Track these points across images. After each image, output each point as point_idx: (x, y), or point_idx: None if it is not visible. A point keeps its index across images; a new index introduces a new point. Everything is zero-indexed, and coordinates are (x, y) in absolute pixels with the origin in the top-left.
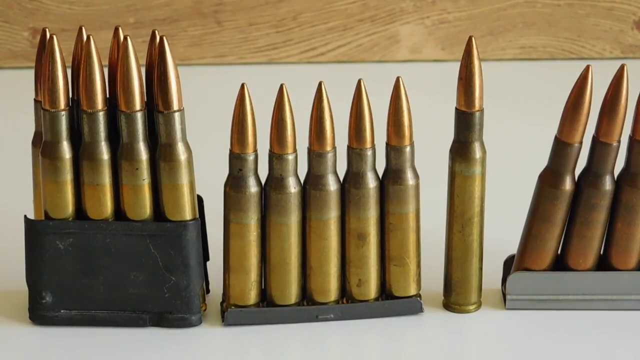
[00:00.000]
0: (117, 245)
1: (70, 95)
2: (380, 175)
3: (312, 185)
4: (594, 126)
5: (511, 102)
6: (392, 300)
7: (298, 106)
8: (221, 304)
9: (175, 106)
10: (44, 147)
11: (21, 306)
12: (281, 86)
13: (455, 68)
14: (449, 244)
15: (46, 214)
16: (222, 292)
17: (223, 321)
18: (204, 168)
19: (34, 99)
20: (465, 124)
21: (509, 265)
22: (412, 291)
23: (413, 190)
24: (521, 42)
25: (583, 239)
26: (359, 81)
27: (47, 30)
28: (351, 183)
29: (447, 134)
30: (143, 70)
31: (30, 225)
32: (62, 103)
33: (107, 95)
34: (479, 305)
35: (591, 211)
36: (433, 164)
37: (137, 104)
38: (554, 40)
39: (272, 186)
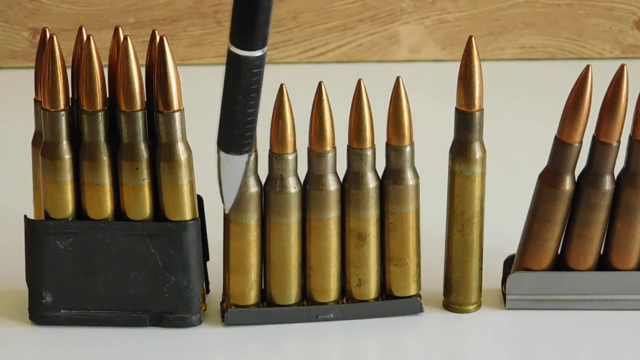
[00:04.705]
0: (117, 245)
1: (70, 95)
2: (380, 175)
3: (312, 185)
4: (594, 126)
5: (511, 102)
6: (392, 300)
7: (298, 106)
8: (221, 304)
9: (175, 106)
10: (44, 147)
11: (21, 306)
12: (281, 86)
13: (455, 68)
14: (449, 243)
15: (46, 214)
16: (222, 292)
17: (223, 321)
18: (204, 168)
19: (34, 99)
20: (465, 124)
21: (509, 265)
22: (412, 291)
23: (413, 190)
24: (521, 42)
25: (583, 239)
26: (359, 81)
27: (47, 30)
28: (351, 183)
29: (447, 134)
30: (143, 70)
31: (30, 225)
32: (62, 103)
33: (107, 95)
34: (479, 305)
35: (591, 211)
36: (433, 164)
37: (137, 104)
38: (554, 40)
39: (272, 186)
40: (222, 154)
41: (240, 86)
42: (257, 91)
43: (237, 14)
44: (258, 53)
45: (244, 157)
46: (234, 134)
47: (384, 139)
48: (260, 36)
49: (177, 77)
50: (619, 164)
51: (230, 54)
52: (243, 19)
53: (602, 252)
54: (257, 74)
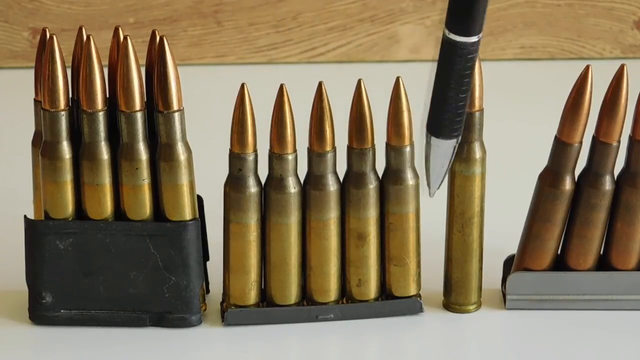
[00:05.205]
0: (117, 245)
1: (70, 95)
2: (380, 175)
3: (312, 185)
4: (594, 126)
5: (511, 102)
6: (392, 300)
7: (298, 106)
8: (221, 304)
9: (175, 106)
10: (44, 147)
11: (21, 306)
12: (281, 86)
13: None
14: (449, 243)
15: (46, 214)
16: (222, 292)
17: (223, 321)
18: (204, 168)
19: (34, 99)
20: (465, 124)
21: (509, 265)
22: (412, 291)
23: (413, 190)
24: (521, 42)
25: (583, 239)
26: (359, 81)
27: (47, 30)
28: (351, 183)
29: None
30: (143, 70)
31: (30, 225)
32: (62, 103)
33: (107, 95)
34: (479, 305)
35: (591, 211)
36: None
37: (137, 104)
38: (554, 40)
39: (272, 186)
40: (432, 138)
41: (454, 71)
42: (470, 77)
43: (455, 1)
44: (474, 39)
45: (453, 141)
46: (445, 118)
47: (384, 139)
48: (477, 22)
49: (177, 77)
50: (619, 164)
51: (446, 40)
52: (461, 6)
53: (602, 252)
54: (471, 59)
